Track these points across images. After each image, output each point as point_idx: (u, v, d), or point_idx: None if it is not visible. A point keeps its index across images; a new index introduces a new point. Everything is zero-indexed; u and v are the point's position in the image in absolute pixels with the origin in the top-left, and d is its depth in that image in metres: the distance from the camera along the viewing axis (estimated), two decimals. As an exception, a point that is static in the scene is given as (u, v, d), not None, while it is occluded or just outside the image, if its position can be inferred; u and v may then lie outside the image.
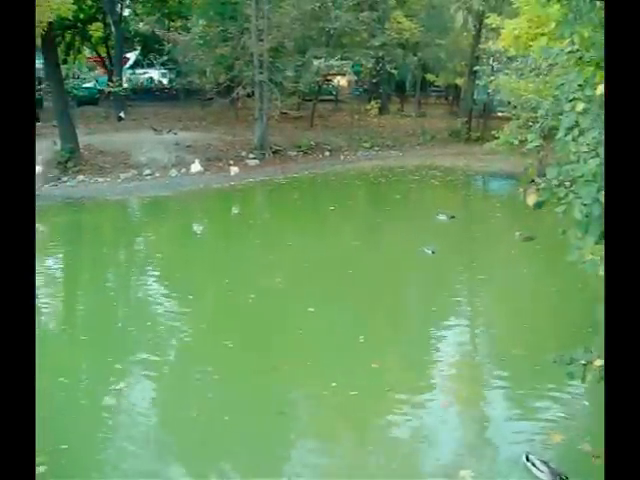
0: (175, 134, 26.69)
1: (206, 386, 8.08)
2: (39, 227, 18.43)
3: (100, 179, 21.95)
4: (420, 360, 9.11)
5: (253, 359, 8.75)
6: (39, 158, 21.83)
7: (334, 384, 7.97)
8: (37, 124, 26.74)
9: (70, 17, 29.51)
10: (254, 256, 14.39)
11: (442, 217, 16.77)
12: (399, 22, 36.23)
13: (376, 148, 30.31)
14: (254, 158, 25.58)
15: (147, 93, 42.77)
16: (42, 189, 20.91)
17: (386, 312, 10.73)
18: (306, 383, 8.21)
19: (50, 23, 21.53)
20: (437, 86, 45.49)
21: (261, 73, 26.10)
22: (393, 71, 32.37)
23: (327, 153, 28.33)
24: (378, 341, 9.39)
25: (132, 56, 49.69)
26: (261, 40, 26.07)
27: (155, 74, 48.61)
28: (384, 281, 12.27)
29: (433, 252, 13.52)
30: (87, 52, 53.33)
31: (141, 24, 46.50)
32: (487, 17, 25.88)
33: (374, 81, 35.66)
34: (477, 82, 29.87)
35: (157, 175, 22.79)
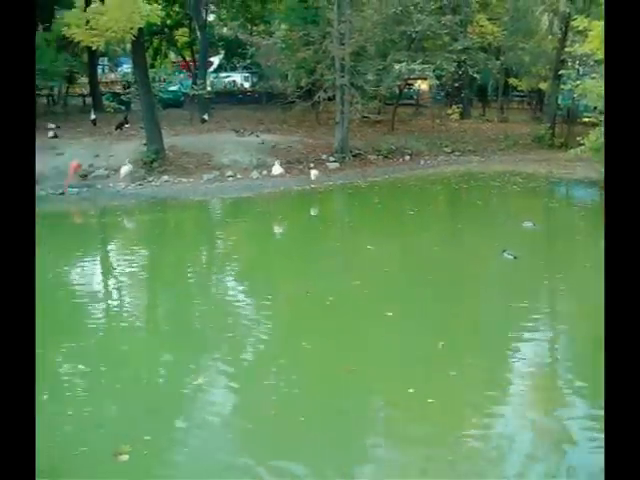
0: (257, 136, 27.05)
1: (283, 386, 8.11)
2: (126, 224, 19.04)
3: (184, 179, 22.43)
4: (500, 369, 8.89)
5: (330, 361, 8.74)
6: (128, 158, 22.53)
7: (411, 390, 7.88)
8: (125, 126, 27.58)
9: (158, 23, 30.24)
10: (333, 258, 14.43)
11: (526, 224, 16.36)
12: (482, 25, 35.75)
13: (457, 153, 29.94)
14: (334, 161, 25.67)
15: (230, 96, 43.56)
16: (129, 188, 21.56)
17: (466, 318, 10.54)
18: (383, 388, 8.14)
19: (140, 29, 22.21)
20: (520, 90, 44.59)
21: (342, 77, 26.18)
22: (475, 75, 31.87)
23: (407, 157, 28.15)
24: (458, 348, 9.21)
25: (216, 60, 50.62)
26: (343, 44, 26.15)
27: (238, 77, 49.50)
28: (465, 286, 12.08)
29: (515, 257, 13.24)
30: (173, 56, 54.76)
31: (225, 29, 47.43)
32: (574, 19, 25.19)
33: (456, 85, 35.25)
34: (562, 87, 29.08)
35: (239, 177, 23.14)
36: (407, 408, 7.63)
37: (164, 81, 36.24)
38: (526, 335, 9.89)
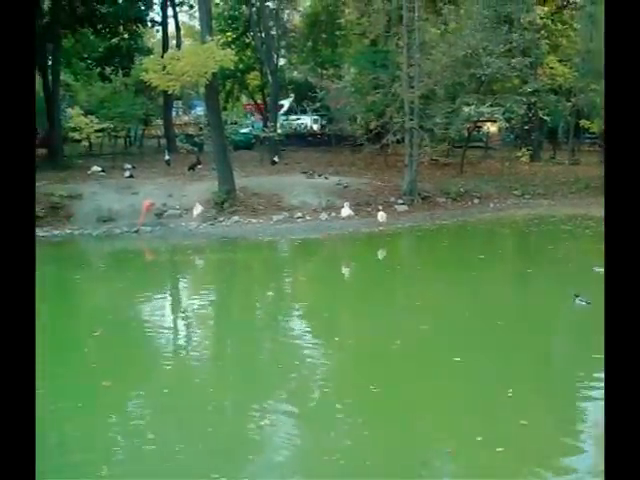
0: (326, 178, 27.34)
1: (348, 430, 8.06)
2: (196, 263, 19.42)
3: (253, 220, 22.80)
4: (571, 420, 8.64)
5: (397, 406, 8.67)
6: (200, 198, 23.07)
7: (479, 438, 7.73)
8: (198, 167, 28.31)
9: (231, 67, 31.10)
10: (401, 301, 14.39)
11: (597, 269, 15.90)
12: (552, 67, 35.46)
13: (527, 196, 29.56)
14: (402, 204, 25.68)
15: (300, 138, 44.17)
16: (200, 227, 22.04)
17: (537, 365, 10.31)
18: (450, 435, 8.00)
19: (214, 73, 22.91)
20: (592, 132, 43.80)
21: (411, 120, 26.31)
22: (545, 117, 31.63)
23: (476, 201, 27.95)
24: (527, 395, 9.00)
25: (286, 103, 51.59)
26: (412, 87, 26.35)
27: (308, 120, 50.19)
28: (535, 332, 11.83)
29: (588, 303, 12.91)
30: (244, 99, 56.02)
31: (295, 72, 48.52)
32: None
33: (525, 128, 34.95)
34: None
35: (308, 218, 23.39)
36: (475, 456, 7.48)
37: (236, 123, 37.02)
38: (599, 386, 9.57)
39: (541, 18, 34.14)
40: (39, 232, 19.56)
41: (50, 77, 31.59)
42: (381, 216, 22.89)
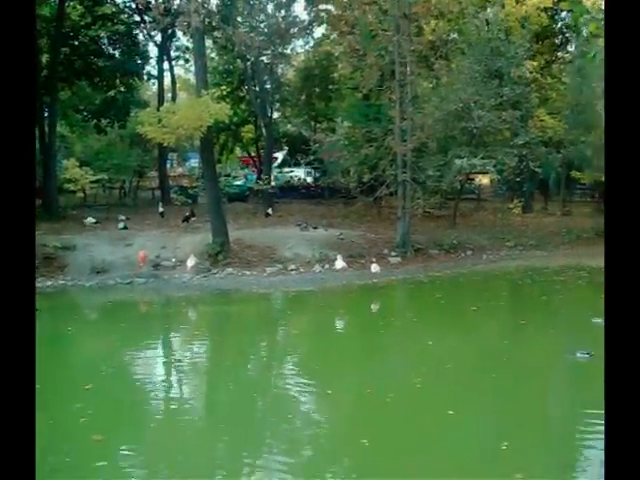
0: (318, 229, 27.49)
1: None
2: (190, 315, 19.38)
3: (247, 272, 22.83)
4: (569, 476, 8.60)
5: (390, 461, 8.60)
6: (193, 251, 23.13)
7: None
8: (192, 219, 28.43)
9: (226, 121, 31.51)
10: (394, 354, 14.37)
11: (596, 320, 15.65)
12: (542, 120, 36.06)
13: (519, 247, 29.76)
14: (396, 256, 25.80)
15: (293, 191, 44.56)
16: (194, 279, 22.03)
17: (531, 419, 10.27)
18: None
19: (208, 127, 23.22)
20: (582, 183, 44.39)
21: (404, 172, 26.63)
22: (537, 169, 32.01)
23: (469, 252, 28.10)
24: (522, 450, 8.96)
25: (280, 156, 52.28)
26: (404, 140, 26.74)
27: (301, 173, 50.78)
28: (530, 386, 11.80)
29: (590, 354, 12.75)
30: (239, 152, 56.61)
31: (289, 126, 49.15)
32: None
33: (517, 179, 35.36)
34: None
35: (301, 270, 23.44)
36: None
37: (230, 175, 37.46)
38: (596, 437, 9.51)
39: (530, 72, 34.88)
40: (32, 284, 19.48)
41: (46, 129, 31.93)
42: (374, 268, 23.04)
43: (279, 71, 38.56)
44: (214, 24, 28.27)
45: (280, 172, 50.41)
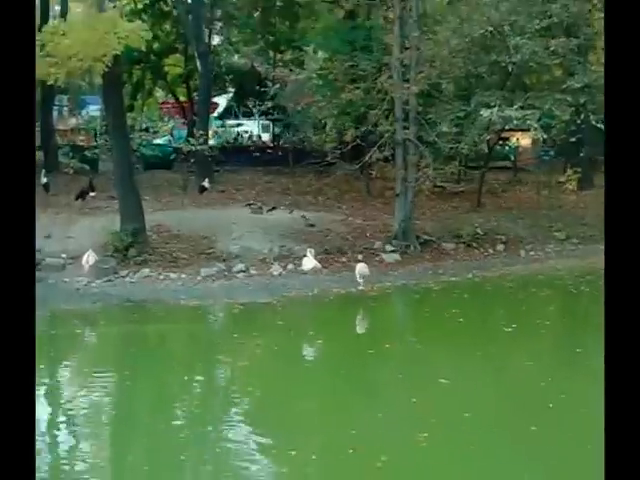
0: (284, 211, 27.45)
1: None
2: (86, 339, 19.24)
3: (173, 275, 22.73)
4: None
5: None
6: (93, 243, 22.94)
7: None
8: (90, 195, 28.22)
9: (142, 48, 31.12)
10: (389, 398, 14.37)
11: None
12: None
13: (574, 240, 29.87)
14: (393, 251, 25.80)
15: (242, 154, 44.44)
16: (93, 285, 21.87)
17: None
18: None
19: (116, 56, 22.79)
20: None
21: (406, 128, 26.57)
22: (599, 125, 32.16)
23: (500, 246, 28.19)
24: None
25: (222, 101, 52.01)
26: (406, 81, 26.63)
27: (254, 127, 50.59)
28: (586, 445, 11.82)
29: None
30: (160, 95, 56.12)
31: (236, 57, 48.65)
32: None
33: (572, 140, 35.49)
34: None
35: (253, 272, 23.40)
36: None
37: (148, 130, 37.12)
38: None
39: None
40: None
41: None
42: (361, 270, 22.84)
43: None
44: None
45: (222, 126, 50.32)
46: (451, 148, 28.18)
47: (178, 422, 13.30)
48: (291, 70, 31.23)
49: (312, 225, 26.60)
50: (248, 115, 49.01)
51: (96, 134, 37.18)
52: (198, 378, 16.17)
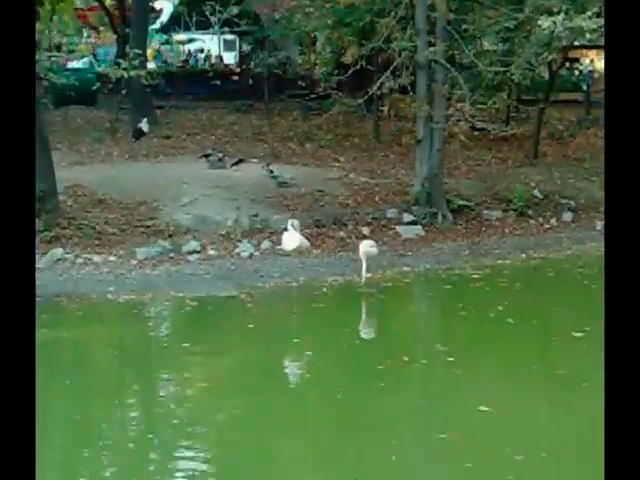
0: (255, 165, 27.42)
1: None
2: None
3: (97, 257, 22.74)
4: None
5: None
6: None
7: None
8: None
9: None
10: (409, 430, 14.42)
11: None
12: None
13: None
14: (413, 222, 25.90)
15: (196, 83, 44.44)
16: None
17: None
18: None
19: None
20: None
21: (431, 45, 26.52)
22: None
23: (567, 215, 28.26)
24: None
25: (167, 6, 51.80)
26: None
27: (212, 44, 50.47)
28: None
29: None
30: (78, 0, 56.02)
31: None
32: None
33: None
34: None
35: (212, 253, 23.50)
36: None
37: (60, 49, 37.05)
38: None
39: None
40: None
41: None
42: (367, 250, 22.54)
43: None
44: None
45: (167, 43, 50.25)
46: (496, 74, 28.15)
47: (105, 460, 13.35)
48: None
49: (296, 185, 26.53)
50: (204, 27, 48.95)
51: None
52: (131, 399, 16.21)
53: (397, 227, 25.67)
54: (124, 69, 31.57)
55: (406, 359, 18.06)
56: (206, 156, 28.76)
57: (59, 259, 22.59)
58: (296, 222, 22.93)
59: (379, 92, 28.45)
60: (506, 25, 28.25)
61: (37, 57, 28.01)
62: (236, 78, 45.66)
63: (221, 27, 45.86)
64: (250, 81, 43.12)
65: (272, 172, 27.15)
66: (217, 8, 36.74)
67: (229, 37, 49.08)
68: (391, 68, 27.35)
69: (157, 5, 47.16)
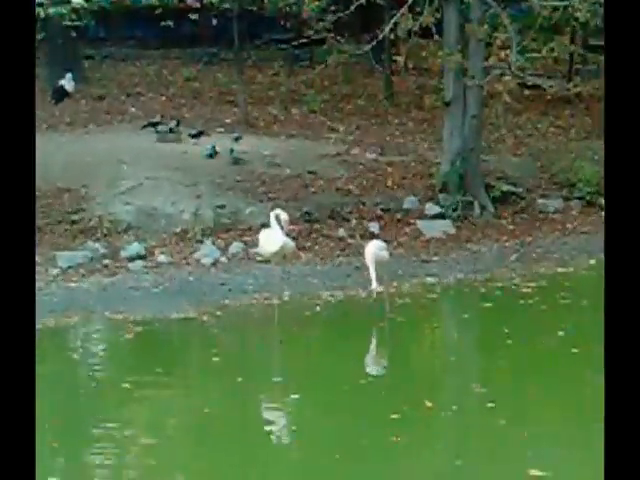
0: (223, 135, 27.49)
1: None
2: None
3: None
4: None
5: None
6: None
7: None
8: None
9: None
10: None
11: None
12: None
13: None
14: (439, 216, 25.91)
15: (139, 24, 44.39)
16: None
17: None
18: None
19: None
20: None
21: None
22: None
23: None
24: None
25: None
26: None
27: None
28: None
29: None
30: None
31: None
32: None
33: None
34: None
35: (162, 260, 23.53)
36: None
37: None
38: None
39: None
40: None
41: None
42: (375, 252, 22.41)
43: None
44: None
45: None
46: (555, 9, 28.16)
47: None
48: None
49: (278, 165, 26.54)
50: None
51: None
52: (55, 463, 16.21)
53: (418, 222, 25.72)
54: (39, 5, 31.66)
55: (430, 405, 18.11)
56: (153, 125, 28.75)
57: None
58: (283, 214, 22.40)
59: (392, 36, 28.48)
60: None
61: None
62: (195, 17, 45.47)
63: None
64: (214, 21, 43.08)
65: (232, 149, 26.91)
66: None
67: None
68: (409, 1, 27.34)
69: None
